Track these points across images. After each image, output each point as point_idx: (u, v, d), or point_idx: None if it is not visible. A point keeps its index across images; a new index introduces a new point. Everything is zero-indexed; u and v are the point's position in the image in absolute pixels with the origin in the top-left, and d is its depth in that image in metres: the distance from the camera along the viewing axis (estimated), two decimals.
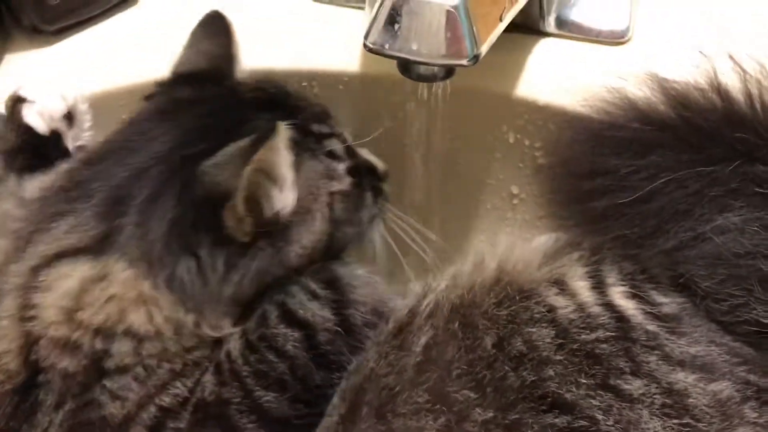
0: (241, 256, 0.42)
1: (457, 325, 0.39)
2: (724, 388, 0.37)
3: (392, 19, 0.40)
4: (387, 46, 0.41)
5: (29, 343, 0.41)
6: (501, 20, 0.43)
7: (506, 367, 0.36)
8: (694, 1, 0.54)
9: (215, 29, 0.51)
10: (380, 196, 0.50)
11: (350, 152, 0.49)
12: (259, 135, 0.41)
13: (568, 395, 0.36)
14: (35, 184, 0.46)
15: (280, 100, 0.49)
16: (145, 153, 0.44)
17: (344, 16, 0.57)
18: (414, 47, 0.41)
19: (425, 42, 0.40)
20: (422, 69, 0.44)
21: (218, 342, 0.43)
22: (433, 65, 0.43)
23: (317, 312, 0.43)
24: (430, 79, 0.44)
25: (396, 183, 0.53)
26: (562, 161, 0.47)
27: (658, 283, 0.41)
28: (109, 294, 0.41)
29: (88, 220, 0.42)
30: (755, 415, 0.37)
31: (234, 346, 0.42)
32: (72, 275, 0.41)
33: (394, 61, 0.46)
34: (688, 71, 0.43)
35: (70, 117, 0.53)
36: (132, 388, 0.41)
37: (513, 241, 0.44)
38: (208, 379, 0.41)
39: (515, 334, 0.38)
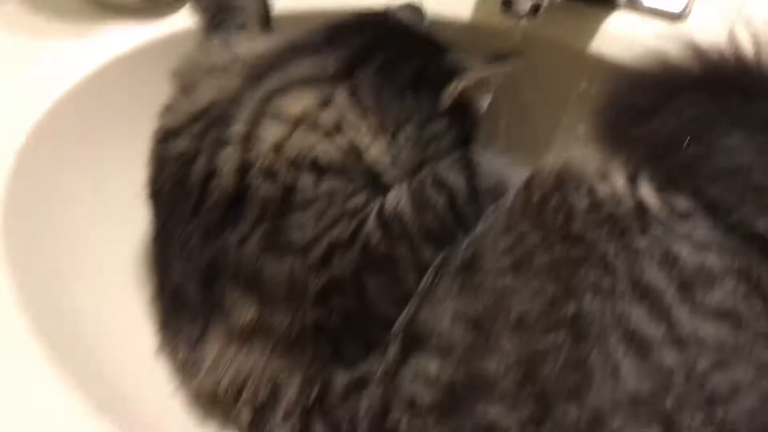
0: (434, 118, 0.57)
1: (521, 188, 0.53)
2: (712, 261, 0.48)
3: None
4: None
5: (245, 167, 0.52)
6: None
7: (548, 212, 0.50)
8: None
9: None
10: None
11: None
12: (501, 55, 0.58)
13: (588, 236, 0.48)
14: (249, 44, 0.59)
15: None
16: (385, 34, 0.59)
17: None
18: None
19: None
20: (518, 5, 0.59)
21: (379, 190, 0.54)
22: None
23: (455, 178, 0.55)
24: (522, 15, 0.60)
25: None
26: (610, 99, 0.60)
27: (676, 188, 0.51)
28: (322, 121, 0.53)
29: (327, 61, 0.55)
30: (732, 285, 0.47)
31: (403, 204, 0.53)
32: (298, 103, 0.53)
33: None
34: (718, 40, 0.57)
35: None
36: (309, 223, 0.51)
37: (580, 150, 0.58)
38: (372, 227, 0.52)
39: (555, 193, 0.51)
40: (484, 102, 0.61)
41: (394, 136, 0.56)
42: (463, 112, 0.60)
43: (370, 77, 0.56)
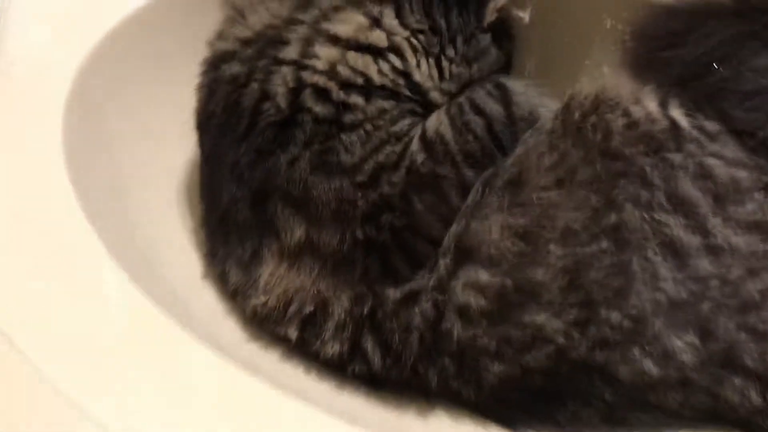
0: (478, 34, 0.60)
1: (561, 110, 0.55)
2: (741, 175, 0.51)
3: None
4: None
5: (299, 88, 0.54)
6: None
7: (588, 130, 0.52)
8: None
9: None
10: None
11: None
12: None
13: (626, 151, 0.51)
14: None
15: None
16: None
17: None
18: None
19: None
20: None
21: (426, 109, 0.57)
22: None
23: (493, 105, 0.57)
24: None
25: None
26: (641, 26, 0.62)
27: (705, 112, 0.54)
28: (372, 42, 0.56)
29: None
30: (762, 198, 0.50)
31: (443, 128, 0.55)
32: (348, 24, 0.56)
33: None
34: None
35: None
36: (357, 145, 0.53)
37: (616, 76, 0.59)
38: (416, 149, 0.54)
39: (593, 113, 0.53)
40: (525, 17, 0.63)
41: (440, 54, 0.59)
42: (503, 29, 0.62)
43: None
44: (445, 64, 0.59)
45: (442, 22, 0.59)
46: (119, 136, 0.62)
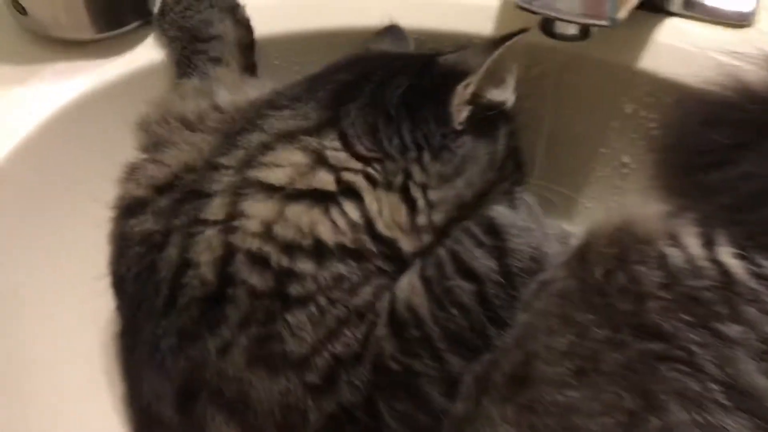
0: (452, 140, 0.46)
1: (576, 262, 0.43)
2: None
3: None
4: (535, 4, 0.46)
5: (228, 255, 0.43)
6: None
7: (613, 296, 0.40)
8: None
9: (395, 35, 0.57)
10: None
11: None
12: (503, 36, 0.47)
13: (665, 326, 0.39)
14: (224, 91, 0.51)
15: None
16: (364, 66, 0.49)
17: None
18: (558, 5, 0.46)
19: (569, 2, 0.45)
20: (561, 28, 0.48)
21: (400, 265, 0.44)
22: (575, 23, 0.47)
23: (484, 261, 0.44)
24: (567, 39, 0.49)
25: None
26: (675, 136, 0.50)
27: (763, 249, 0.42)
28: (318, 186, 0.44)
29: (309, 111, 0.46)
30: None
31: (419, 299, 0.43)
32: (284, 168, 0.44)
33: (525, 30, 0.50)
34: None
35: None
36: (307, 329, 0.42)
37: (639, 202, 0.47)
38: (383, 335, 0.42)
39: (620, 269, 0.41)
40: (508, 98, 0.49)
41: (406, 183, 0.45)
42: (490, 115, 0.49)
43: (357, 116, 0.46)
44: (416, 194, 0.46)
45: (394, 144, 0.46)
46: (15, 298, 0.52)
